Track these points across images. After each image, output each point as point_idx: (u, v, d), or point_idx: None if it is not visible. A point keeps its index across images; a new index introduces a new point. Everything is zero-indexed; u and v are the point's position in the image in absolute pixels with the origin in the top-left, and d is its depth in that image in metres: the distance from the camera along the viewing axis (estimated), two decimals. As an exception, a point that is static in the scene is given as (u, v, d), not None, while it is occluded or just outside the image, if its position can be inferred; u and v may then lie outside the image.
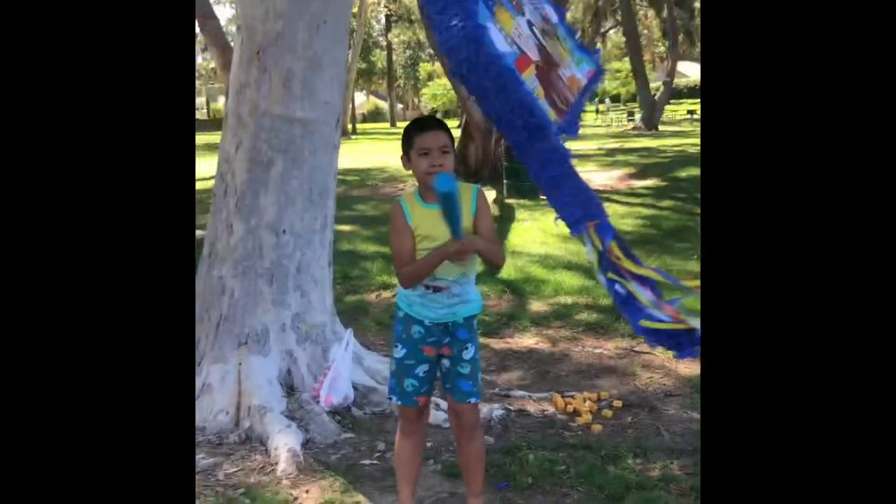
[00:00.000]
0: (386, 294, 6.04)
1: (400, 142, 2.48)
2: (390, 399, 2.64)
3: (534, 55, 2.27)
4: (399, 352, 2.56)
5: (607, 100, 46.11)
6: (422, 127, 2.47)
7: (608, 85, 48.57)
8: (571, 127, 2.40)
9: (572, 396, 3.82)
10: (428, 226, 2.40)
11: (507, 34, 2.25)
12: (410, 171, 2.47)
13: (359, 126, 41.81)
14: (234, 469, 3.16)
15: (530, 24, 2.28)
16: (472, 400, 2.56)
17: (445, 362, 2.55)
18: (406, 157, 2.47)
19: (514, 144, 2.42)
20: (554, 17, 2.35)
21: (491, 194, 11.42)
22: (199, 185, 15.21)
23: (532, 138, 2.34)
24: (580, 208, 2.42)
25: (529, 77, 2.30)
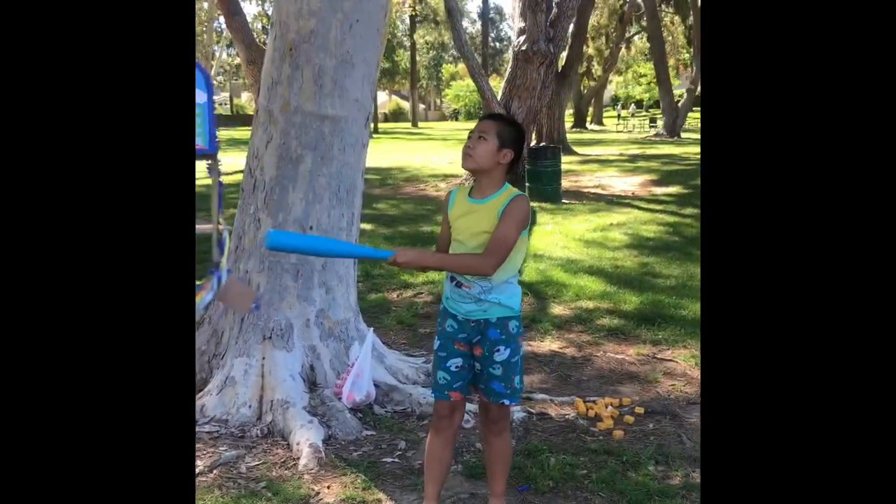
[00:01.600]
0: (407, 293, 6.06)
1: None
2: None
3: None
4: (436, 343, 2.60)
5: (632, 105, 45.93)
6: (480, 118, 2.62)
7: (632, 90, 48.41)
8: None
9: (594, 401, 3.81)
10: (457, 214, 2.50)
11: None
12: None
13: (381, 125, 41.89)
14: (257, 462, 3.18)
15: None
16: (505, 402, 2.56)
17: (478, 364, 2.55)
18: None
19: None
20: (199, 99, 3.23)
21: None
22: (222, 180, 15.35)
23: None
24: None
25: None
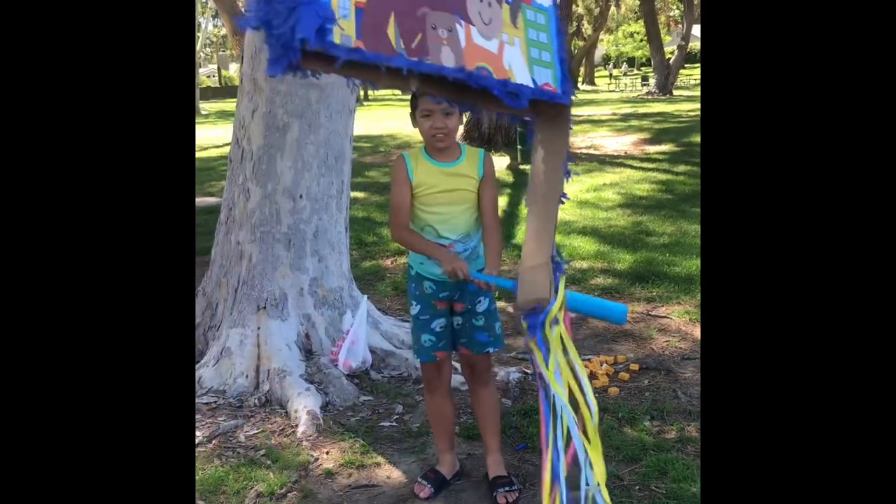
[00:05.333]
0: (402, 259, 6.05)
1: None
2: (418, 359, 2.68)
3: None
4: (414, 309, 2.62)
5: (624, 64, 45.55)
6: None
7: (625, 47, 47.95)
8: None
9: (589, 359, 3.83)
10: (431, 181, 2.45)
11: None
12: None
13: (371, 93, 41.41)
14: (255, 431, 3.20)
15: None
16: (490, 350, 2.61)
17: (458, 319, 2.60)
18: (413, 117, 2.49)
19: None
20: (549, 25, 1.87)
21: (504, 160, 11.36)
22: (213, 153, 15.23)
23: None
24: None
25: None
